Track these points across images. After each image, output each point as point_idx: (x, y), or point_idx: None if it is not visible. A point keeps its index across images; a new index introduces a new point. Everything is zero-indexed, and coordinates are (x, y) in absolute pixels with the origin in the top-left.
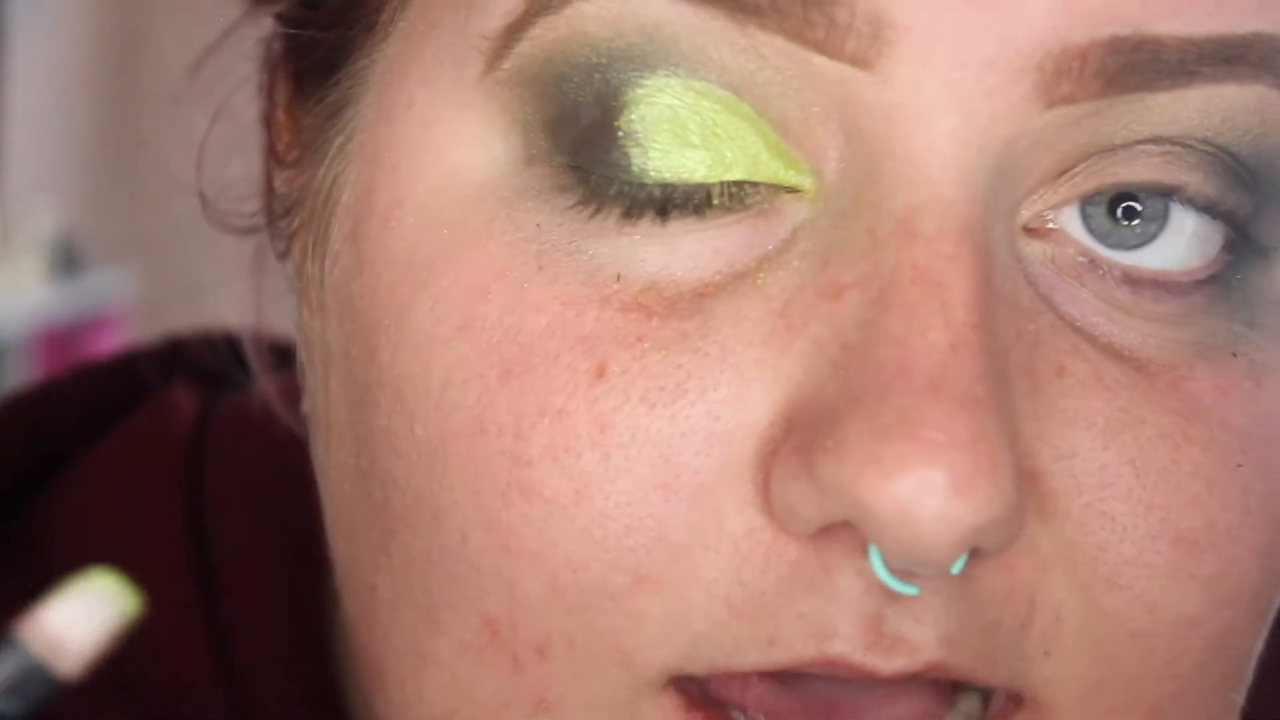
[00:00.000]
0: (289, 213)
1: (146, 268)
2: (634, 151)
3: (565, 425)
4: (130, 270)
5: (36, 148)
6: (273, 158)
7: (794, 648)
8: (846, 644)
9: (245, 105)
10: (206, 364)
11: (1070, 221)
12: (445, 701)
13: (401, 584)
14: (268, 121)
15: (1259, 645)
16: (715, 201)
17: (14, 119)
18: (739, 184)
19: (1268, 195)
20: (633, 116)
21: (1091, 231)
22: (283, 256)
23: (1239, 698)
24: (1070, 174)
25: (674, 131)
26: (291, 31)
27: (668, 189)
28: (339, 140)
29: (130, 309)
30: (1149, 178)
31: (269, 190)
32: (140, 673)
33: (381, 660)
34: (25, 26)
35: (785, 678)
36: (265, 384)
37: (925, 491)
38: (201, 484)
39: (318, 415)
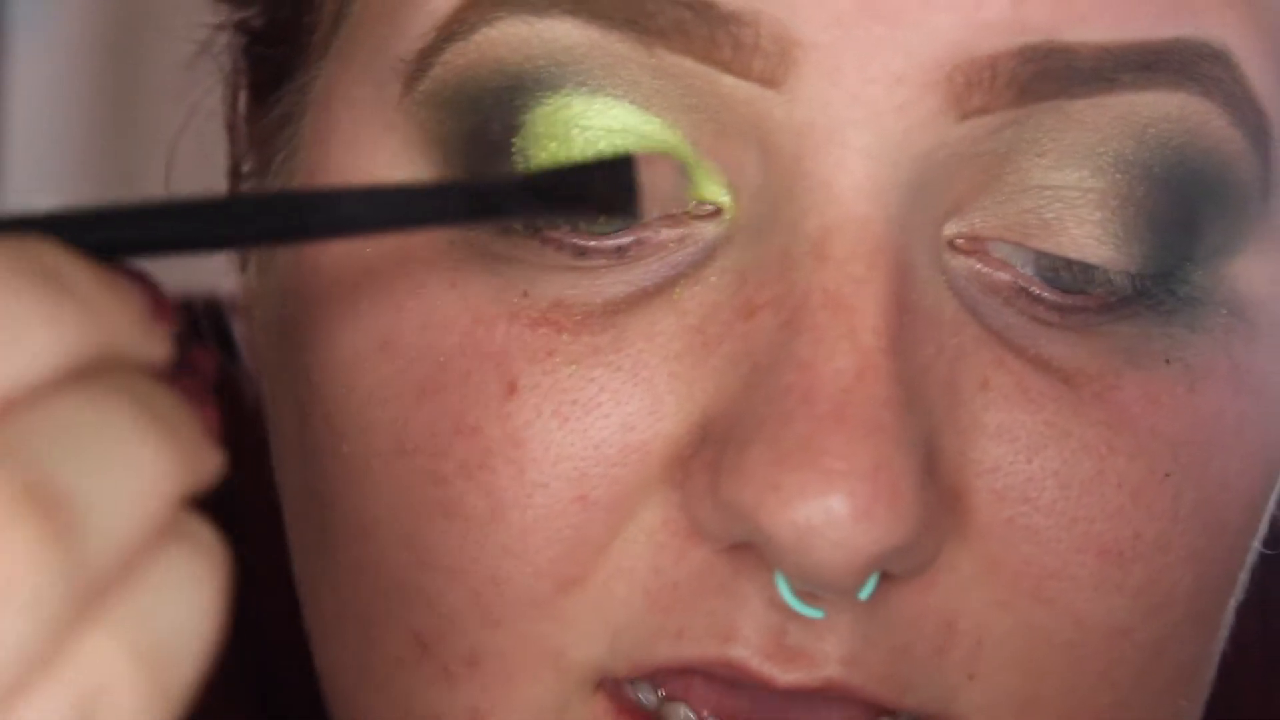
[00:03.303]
0: None
1: (146, 268)
2: (519, 168)
3: (479, 443)
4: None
5: (36, 148)
6: (236, 168)
7: (699, 644)
8: (746, 649)
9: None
10: (218, 328)
11: (1013, 255)
12: (386, 715)
13: (341, 601)
14: (231, 130)
15: (1210, 648)
16: (601, 221)
17: (14, 119)
18: None
19: (1200, 202)
20: (525, 135)
21: (1040, 272)
22: (243, 269)
23: (1189, 703)
24: (997, 191)
25: (557, 149)
26: (246, 42)
27: None
28: (281, 157)
29: None
30: (1075, 254)
31: None
32: None
33: (331, 674)
34: (25, 26)
35: (730, 681)
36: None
37: (824, 520)
38: (236, 437)
39: (272, 431)
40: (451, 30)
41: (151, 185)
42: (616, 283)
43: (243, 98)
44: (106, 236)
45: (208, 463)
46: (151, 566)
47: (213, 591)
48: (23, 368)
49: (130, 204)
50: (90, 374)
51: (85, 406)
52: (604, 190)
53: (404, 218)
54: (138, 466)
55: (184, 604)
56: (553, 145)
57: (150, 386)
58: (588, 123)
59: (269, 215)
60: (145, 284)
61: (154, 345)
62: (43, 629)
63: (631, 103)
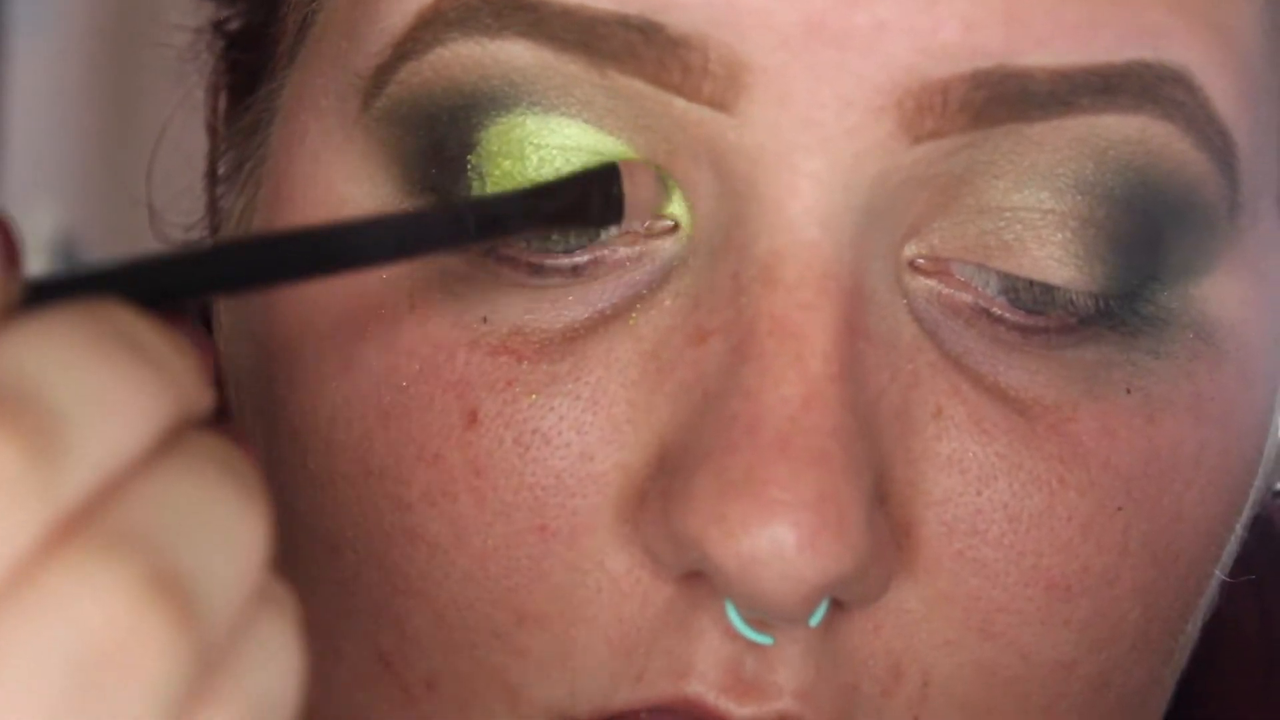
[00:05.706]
0: (218, 230)
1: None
2: (475, 185)
3: (441, 470)
4: None
5: (36, 148)
6: (213, 170)
7: (657, 685)
8: (703, 684)
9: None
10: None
11: (975, 276)
12: None
13: (309, 613)
14: (211, 132)
15: (1161, 674)
16: (554, 238)
17: (14, 119)
18: None
19: (1164, 224)
20: (481, 153)
21: (1002, 292)
22: None
23: None
24: (956, 213)
25: (512, 166)
26: (224, 46)
27: None
28: (250, 165)
29: None
30: (1036, 275)
31: (212, 203)
32: None
33: None
34: (25, 26)
35: None
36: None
37: (769, 550)
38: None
39: (242, 436)
40: (406, 49)
41: (151, 185)
42: (575, 304)
43: (222, 100)
44: (153, 287)
45: (273, 518)
46: (252, 635)
47: (299, 652)
48: (126, 442)
49: (164, 253)
50: (172, 439)
51: (182, 478)
52: (595, 200)
53: (423, 243)
54: (237, 534)
55: (279, 670)
56: (507, 163)
57: (222, 445)
58: (542, 141)
59: (294, 253)
60: (191, 332)
61: (208, 395)
62: (169, 715)
63: (585, 121)
